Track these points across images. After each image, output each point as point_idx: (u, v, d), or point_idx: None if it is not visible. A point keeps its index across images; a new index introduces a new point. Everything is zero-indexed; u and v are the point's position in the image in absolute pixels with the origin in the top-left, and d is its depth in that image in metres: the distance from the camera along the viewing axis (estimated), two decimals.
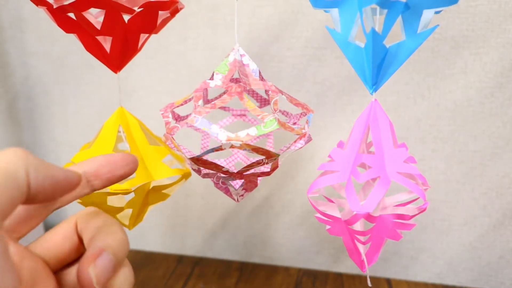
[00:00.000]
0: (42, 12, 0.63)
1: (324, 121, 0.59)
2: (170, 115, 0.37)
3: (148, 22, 0.35)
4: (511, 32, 0.51)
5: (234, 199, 0.39)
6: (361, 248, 0.34)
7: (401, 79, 0.55)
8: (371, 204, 0.30)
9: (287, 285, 0.62)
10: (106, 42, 0.36)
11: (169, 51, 0.61)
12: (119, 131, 0.39)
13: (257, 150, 0.32)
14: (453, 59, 0.53)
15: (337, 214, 0.34)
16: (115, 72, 0.38)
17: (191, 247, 0.70)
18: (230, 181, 0.37)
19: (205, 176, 0.36)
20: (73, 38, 0.63)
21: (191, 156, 0.33)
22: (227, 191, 0.38)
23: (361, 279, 0.63)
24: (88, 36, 0.35)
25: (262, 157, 0.33)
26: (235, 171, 0.34)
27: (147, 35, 0.37)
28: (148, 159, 0.39)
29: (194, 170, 0.36)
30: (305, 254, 0.66)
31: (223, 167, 0.33)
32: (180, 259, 0.69)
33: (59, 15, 0.33)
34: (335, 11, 0.32)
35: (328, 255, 0.65)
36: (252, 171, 0.35)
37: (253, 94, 0.43)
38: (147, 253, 0.71)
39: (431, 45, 0.53)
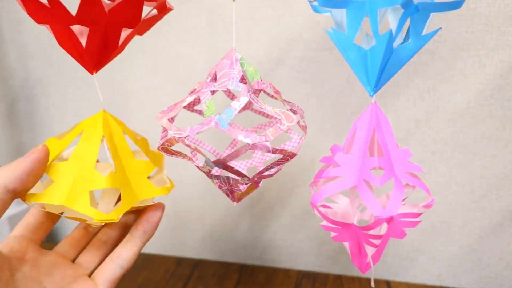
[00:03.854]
0: None
1: (324, 123, 0.59)
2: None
3: (132, 14, 0.31)
4: (511, 34, 0.51)
5: (234, 201, 0.38)
6: (369, 251, 0.34)
7: (400, 81, 0.55)
8: (394, 207, 0.30)
9: (287, 287, 0.62)
10: (83, 37, 0.31)
11: (168, 53, 0.61)
12: (102, 141, 0.34)
13: (280, 151, 0.32)
14: (453, 61, 0.53)
15: (339, 219, 0.34)
16: (91, 72, 0.33)
17: (191, 249, 0.70)
18: (239, 184, 0.36)
19: (215, 177, 0.35)
20: None
21: (216, 159, 0.32)
22: (231, 193, 0.37)
23: (360, 280, 0.63)
24: (61, 28, 0.30)
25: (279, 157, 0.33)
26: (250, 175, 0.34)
27: (129, 32, 0.33)
28: (133, 175, 0.35)
29: (203, 171, 0.35)
30: (304, 256, 0.66)
31: (243, 174, 0.33)
32: (179, 261, 0.69)
33: (30, 2, 0.30)
34: (339, 12, 0.32)
35: (328, 257, 0.65)
36: (265, 173, 0.35)
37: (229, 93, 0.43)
38: (147, 255, 0.71)
39: (430, 47, 0.53)
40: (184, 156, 0.35)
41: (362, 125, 0.33)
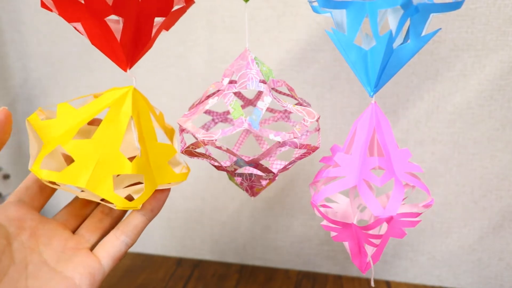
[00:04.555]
0: (41, 14, 0.63)
1: (324, 123, 0.59)
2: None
3: (164, 2, 0.30)
4: (510, 35, 0.51)
5: (251, 196, 0.39)
6: (369, 251, 0.34)
7: (400, 81, 0.55)
8: (394, 207, 0.30)
9: (287, 287, 0.62)
10: (115, 33, 0.31)
11: (169, 53, 0.61)
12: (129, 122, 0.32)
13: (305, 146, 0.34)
14: (453, 61, 0.53)
15: (339, 219, 0.34)
16: (125, 69, 0.32)
17: (191, 249, 0.70)
18: (262, 180, 0.36)
19: (238, 175, 0.35)
20: (72, 41, 0.63)
21: (250, 159, 0.32)
22: (250, 188, 0.38)
23: (360, 281, 0.63)
24: (94, 25, 0.29)
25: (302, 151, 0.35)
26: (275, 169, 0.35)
27: (159, 25, 0.33)
28: (154, 159, 0.33)
29: (229, 170, 0.35)
30: (304, 256, 0.66)
31: (269, 170, 0.33)
32: (179, 262, 0.69)
33: (62, 0, 0.29)
34: (339, 13, 0.32)
35: (328, 257, 0.65)
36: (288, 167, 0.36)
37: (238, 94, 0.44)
38: (147, 255, 0.71)
39: (430, 48, 0.53)
40: (207, 157, 0.35)
41: (362, 125, 0.33)
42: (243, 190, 0.38)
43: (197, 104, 0.37)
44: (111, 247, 0.33)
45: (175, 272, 0.66)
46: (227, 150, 0.32)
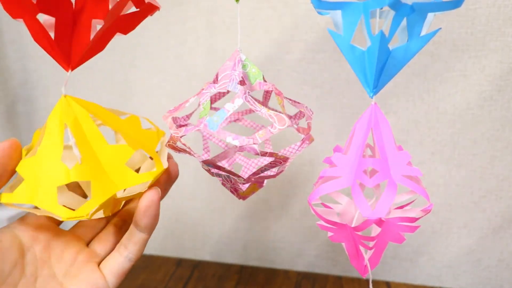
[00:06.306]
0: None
1: (323, 124, 0.59)
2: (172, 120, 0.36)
3: (100, 4, 0.29)
4: (510, 35, 0.51)
5: (239, 199, 0.39)
6: (365, 253, 0.34)
7: (400, 82, 0.55)
8: (382, 209, 0.30)
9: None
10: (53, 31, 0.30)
11: (168, 54, 0.61)
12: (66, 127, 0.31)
13: (271, 154, 0.32)
14: (452, 62, 0.53)
15: (339, 220, 0.34)
16: (66, 69, 0.31)
17: (190, 250, 0.70)
18: (239, 183, 0.36)
19: (217, 175, 0.35)
20: None
21: (205, 159, 0.32)
22: (235, 190, 0.37)
23: (360, 282, 0.63)
24: (36, 23, 0.29)
25: (271, 159, 0.33)
26: (246, 175, 0.34)
27: (105, 28, 0.31)
28: (108, 163, 0.31)
29: (204, 169, 0.35)
30: (304, 257, 0.66)
31: (236, 174, 0.33)
32: (179, 262, 0.69)
33: None
34: (336, 14, 0.32)
35: (328, 258, 0.65)
36: (261, 175, 0.35)
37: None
38: (146, 256, 0.71)
39: (430, 48, 0.53)
40: (189, 153, 0.35)
41: (361, 126, 0.33)
42: (229, 191, 0.38)
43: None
44: (116, 265, 0.33)
45: (175, 273, 0.66)
46: (189, 149, 0.32)
